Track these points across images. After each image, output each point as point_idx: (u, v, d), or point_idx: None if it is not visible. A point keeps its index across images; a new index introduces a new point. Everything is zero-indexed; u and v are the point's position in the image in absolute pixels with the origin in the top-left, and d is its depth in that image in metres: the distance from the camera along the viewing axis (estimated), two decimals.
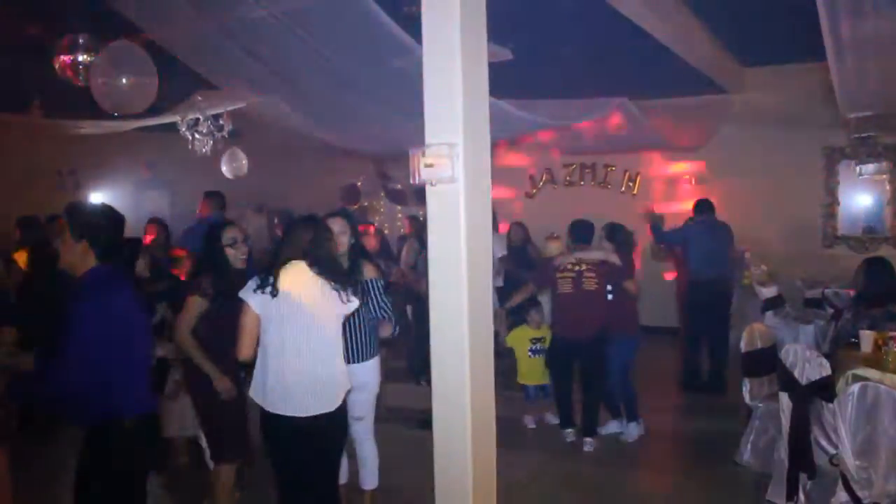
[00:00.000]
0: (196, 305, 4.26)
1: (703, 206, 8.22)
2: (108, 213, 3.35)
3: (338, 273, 3.79)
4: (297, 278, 3.66)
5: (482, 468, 3.52)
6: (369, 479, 4.76)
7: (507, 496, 3.84)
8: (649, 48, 6.93)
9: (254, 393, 3.73)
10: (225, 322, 4.24)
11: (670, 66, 7.78)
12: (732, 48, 8.89)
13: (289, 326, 3.61)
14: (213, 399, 4.32)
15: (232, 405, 4.38)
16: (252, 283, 3.67)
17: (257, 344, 3.68)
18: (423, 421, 4.09)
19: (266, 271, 3.70)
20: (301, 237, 3.76)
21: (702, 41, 7.76)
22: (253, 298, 3.63)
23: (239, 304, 3.69)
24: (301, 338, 3.62)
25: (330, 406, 3.68)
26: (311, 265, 3.69)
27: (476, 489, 3.46)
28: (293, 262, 3.70)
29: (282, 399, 3.63)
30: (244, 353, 3.71)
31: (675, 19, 6.78)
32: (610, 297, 6.19)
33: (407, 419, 6.41)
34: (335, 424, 3.77)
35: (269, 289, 3.60)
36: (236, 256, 4.42)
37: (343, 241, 4.40)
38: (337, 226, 4.34)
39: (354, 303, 3.78)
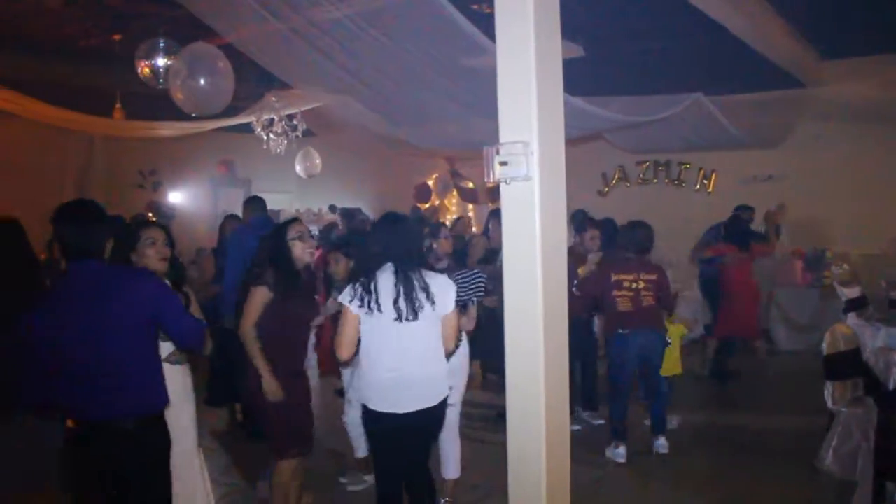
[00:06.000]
0: (261, 296, 4.22)
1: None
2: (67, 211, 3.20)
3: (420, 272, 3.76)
4: (390, 282, 3.69)
5: (556, 471, 3.49)
6: (452, 469, 4.80)
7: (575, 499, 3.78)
8: (725, 42, 6.78)
9: (358, 391, 3.83)
10: (289, 317, 4.30)
11: (747, 60, 7.61)
12: (811, 40, 8.62)
13: (385, 328, 3.67)
14: (283, 396, 4.33)
15: (297, 400, 4.39)
16: (349, 290, 3.72)
17: (358, 344, 3.75)
18: (499, 415, 4.10)
19: (361, 277, 3.74)
20: (388, 239, 3.80)
21: (779, 34, 7.56)
22: (351, 303, 3.68)
23: (340, 307, 3.77)
24: (397, 339, 3.67)
25: (430, 402, 3.73)
26: (400, 268, 3.71)
27: (550, 491, 3.43)
28: (386, 265, 3.74)
29: (382, 397, 3.71)
30: (343, 355, 3.79)
31: (751, 11, 6.61)
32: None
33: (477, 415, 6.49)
34: (434, 419, 3.83)
35: (364, 299, 3.65)
36: (304, 250, 4.41)
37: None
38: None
39: (448, 304, 3.76)
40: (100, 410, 3.08)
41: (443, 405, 3.81)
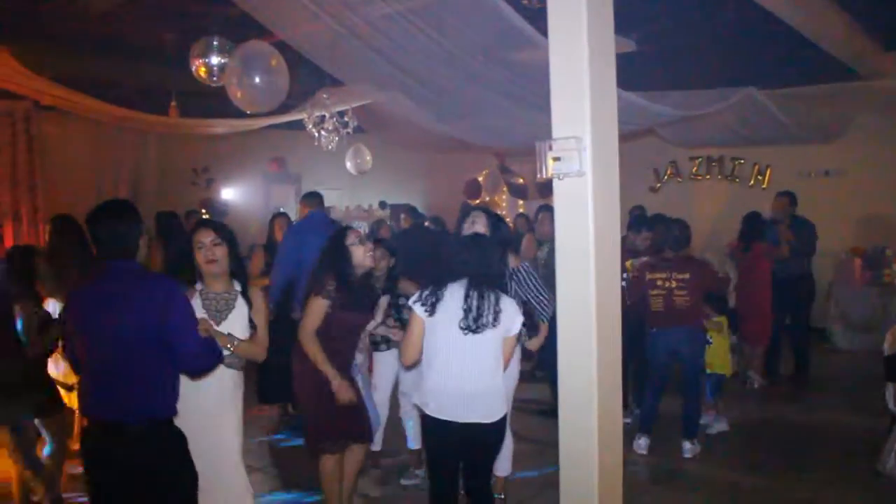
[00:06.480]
0: (321, 307, 4.24)
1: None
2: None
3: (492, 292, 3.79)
4: (460, 293, 3.74)
5: (608, 466, 3.47)
6: (503, 466, 4.81)
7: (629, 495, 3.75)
8: (780, 34, 6.64)
9: (417, 395, 3.89)
10: (342, 323, 4.33)
11: (803, 52, 7.44)
12: (871, 31, 8.40)
13: (447, 339, 3.72)
14: (315, 392, 4.33)
15: (330, 397, 4.34)
16: (418, 296, 3.81)
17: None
18: (551, 410, 4.09)
19: (433, 285, 3.80)
20: (468, 256, 3.84)
21: (837, 24, 7.36)
22: (419, 309, 3.77)
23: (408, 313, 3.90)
24: (455, 349, 3.71)
25: (486, 417, 3.74)
26: (474, 283, 3.75)
27: (602, 486, 3.41)
28: (462, 280, 3.78)
29: (438, 404, 3.76)
30: (406, 360, 3.93)
31: (808, 1, 6.45)
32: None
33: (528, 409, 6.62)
34: (491, 435, 3.84)
35: (430, 304, 3.74)
36: (364, 254, 4.40)
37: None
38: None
39: (513, 328, 3.79)
40: (104, 410, 3.13)
41: (497, 427, 3.81)
